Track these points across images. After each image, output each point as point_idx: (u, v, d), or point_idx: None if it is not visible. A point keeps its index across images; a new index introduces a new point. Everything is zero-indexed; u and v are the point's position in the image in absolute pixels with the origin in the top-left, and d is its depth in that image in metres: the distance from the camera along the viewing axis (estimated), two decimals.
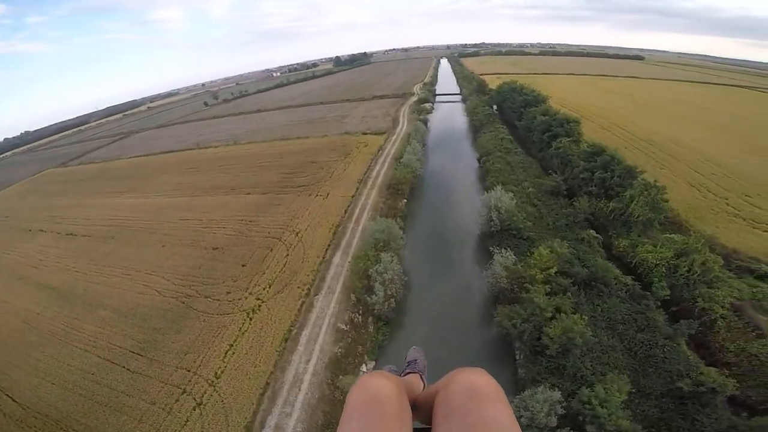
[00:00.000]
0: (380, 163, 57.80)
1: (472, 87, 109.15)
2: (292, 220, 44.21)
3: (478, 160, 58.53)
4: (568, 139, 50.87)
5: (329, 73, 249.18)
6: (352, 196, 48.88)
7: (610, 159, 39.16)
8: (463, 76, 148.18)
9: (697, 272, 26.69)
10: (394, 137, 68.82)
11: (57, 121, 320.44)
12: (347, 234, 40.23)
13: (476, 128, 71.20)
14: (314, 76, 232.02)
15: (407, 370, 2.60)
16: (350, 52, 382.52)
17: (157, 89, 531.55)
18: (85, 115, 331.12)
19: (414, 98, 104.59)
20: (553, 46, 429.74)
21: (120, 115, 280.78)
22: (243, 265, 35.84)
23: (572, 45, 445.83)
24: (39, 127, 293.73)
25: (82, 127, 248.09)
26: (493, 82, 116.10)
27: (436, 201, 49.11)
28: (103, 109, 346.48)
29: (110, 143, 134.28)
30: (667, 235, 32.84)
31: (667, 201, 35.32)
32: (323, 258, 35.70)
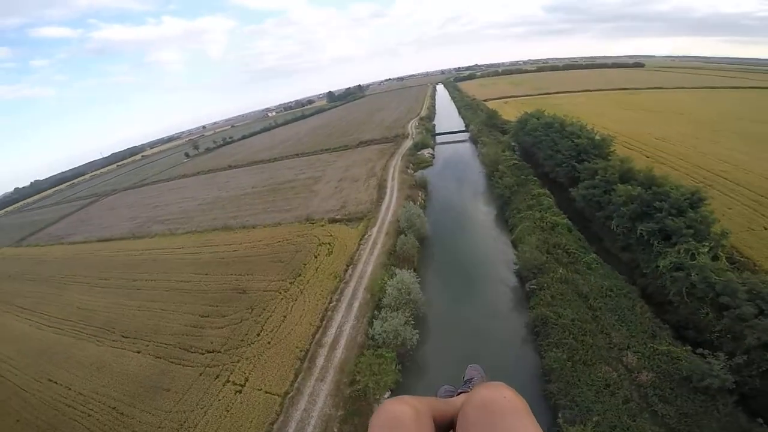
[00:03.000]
0: (345, 305, 31.56)
1: (479, 119, 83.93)
2: None
3: (522, 279, 30.58)
4: (700, 248, 24.45)
5: (320, 110, 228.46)
6: (286, 393, 23.21)
7: None
8: (464, 104, 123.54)
9: None
10: (376, 228, 42.60)
11: (60, 171, 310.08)
12: None
13: (504, 198, 43.96)
14: (303, 116, 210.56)
15: (461, 390, 2.25)
16: (346, 86, 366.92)
17: (160, 133, 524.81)
18: (83, 165, 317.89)
19: (408, 142, 79.84)
20: (546, 61, 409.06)
21: (115, 166, 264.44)
22: None
23: (564, 58, 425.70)
24: (48, 176, 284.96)
25: (75, 181, 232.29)
26: (503, 110, 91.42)
27: None
28: (101, 159, 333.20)
29: (78, 210, 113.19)
30: None
31: None
32: None
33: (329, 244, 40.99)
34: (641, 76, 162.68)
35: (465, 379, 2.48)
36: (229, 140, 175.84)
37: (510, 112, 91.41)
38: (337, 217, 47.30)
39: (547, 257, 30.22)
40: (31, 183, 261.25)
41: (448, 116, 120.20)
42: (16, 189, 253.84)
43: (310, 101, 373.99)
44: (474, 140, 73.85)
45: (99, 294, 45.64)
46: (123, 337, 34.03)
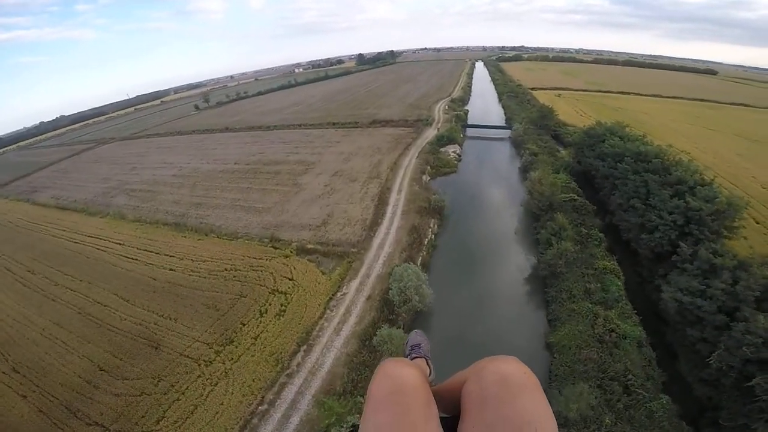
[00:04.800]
0: (279, 416, 17.83)
1: (526, 115, 65.77)
2: None
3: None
4: None
5: (346, 73, 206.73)
6: None
7: None
8: (507, 90, 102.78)
9: None
10: (356, 284, 27.40)
11: (85, 108, 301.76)
12: None
13: (551, 269, 26.91)
14: (326, 77, 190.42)
15: (412, 355, 2.41)
16: (380, 50, 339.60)
17: (189, 79, 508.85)
18: (106, 105, 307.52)
19: (431, 132, 62.82)
20: (600, 52, 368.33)
21: (133, 109, 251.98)
22: None
23: (621, 53, 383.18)
24: (72, 113, 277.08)
25: (90, 121, 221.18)
26: (556, 106, 72.53)
27: None
28: (123, 101, 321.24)
29: (69, 156, 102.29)
30: None
31: None
32: None
33: (285, 295, 26.78)
34: (717, 86, 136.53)
35: (410, 344, 2.47)
36: (243, 95, 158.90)
37: (564, 110, 72.34)
38: (309, 245, 32.35)
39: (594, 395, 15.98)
40: (56, 118, 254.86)
41: (484, 102, 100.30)
42: (41, 123, 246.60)
43: (339, 61, 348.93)
44: (516, 143, 56.42)
45: (13, 295, 33.82)
46: (14, 370, 24.58)
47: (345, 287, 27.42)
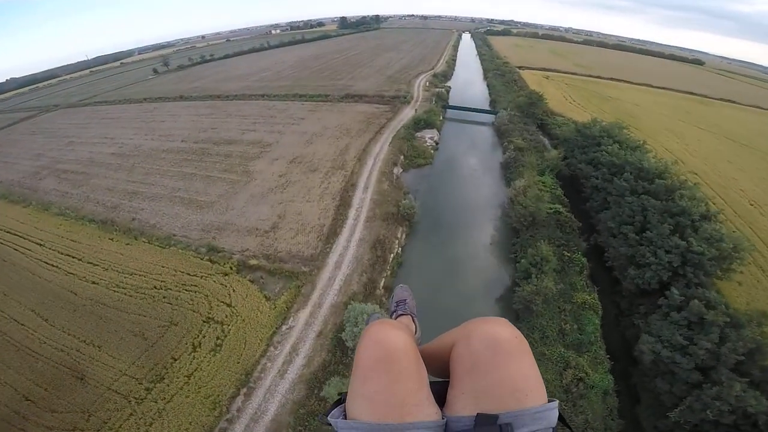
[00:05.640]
0: None
1: (512, 100, 59.89)
2: None
3: None
4: None
5: (324, 37, 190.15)
6: None
7: None
8: (494, 67, 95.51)
9: None
10: (306, 314, 22.08)
11: (39, 70, 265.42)
12: None
13: (525, 306, 22.23)
14: (303, 40, 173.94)
15: (398, 312, 2.32)
16: (367, 13, 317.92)
17: (160, 39, 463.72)
18: (59, 67, 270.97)
19: (409, 112, 56.02)
20: (589, 33, 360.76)
21: (88, 71, 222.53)
22: None
23: (611, 35, 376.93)
24: (24, 74, 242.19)
25: (39, 85, 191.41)
26: (544, 89, 66.92)
27: None
28: (80, 62, 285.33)
29: (5, 127, 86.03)
30: None
31: None
32: None
33: (222, 325, 22.10)
34: (705, 77, 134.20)
35: (396, 300, 2.37)
36: (209, 58, 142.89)
37: (553, 95, 66.75)
38: (253, 261, 26.42)
39: None
40: (7, 80, 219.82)
41: (469, 79, 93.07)
42: None
43: (320, 23, 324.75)
44: (500, 131, 50.83)
45: None
46: None
47: (292, 318, 22.36)
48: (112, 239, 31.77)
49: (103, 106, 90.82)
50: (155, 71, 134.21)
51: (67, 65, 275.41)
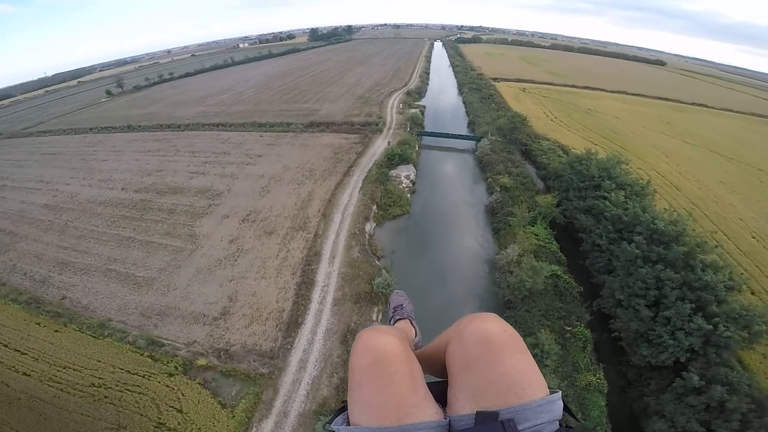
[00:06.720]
0: None
1: (493, 121, 55.10)
2: None
3: None
4: None
5: (293, 50, 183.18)
6: None
7: None
8: (468, 80, 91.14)
9: None
10: (271, 423, 17.09)
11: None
12: None
13: None
14: (269, 55, 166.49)
15: (396, 317, 2.30)
16: (338, 24, 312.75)
17: (124, 54, 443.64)
18: (13, 86, 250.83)
19: (382, 143, 50.59)
20: (555, 37, 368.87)
21: (42, 91, 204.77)
22: None
23: (574, 38, 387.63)
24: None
25: None
26: (523, 105, 63.31)
27: None
28: (36, 80, 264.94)
29: None
30: None
31: None
32: None
33: None
34: (671, 80, 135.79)
35: (393, 306, 2.36)
36: (168, 77, 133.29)
37: (533, 111, 62.93)
38: (201, 360, 20.91)
39: None
40: None
41: (444, 94, 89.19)
42: None
43: (290, 36, 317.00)
44: (483, 162, 46.07)
45: None
46: None
47: (255, 430, 17.57)
48: (39, 324, 25.69)
49: (46, 138, 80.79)
50: (109, 93, 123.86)
51: (25, 83, 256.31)
